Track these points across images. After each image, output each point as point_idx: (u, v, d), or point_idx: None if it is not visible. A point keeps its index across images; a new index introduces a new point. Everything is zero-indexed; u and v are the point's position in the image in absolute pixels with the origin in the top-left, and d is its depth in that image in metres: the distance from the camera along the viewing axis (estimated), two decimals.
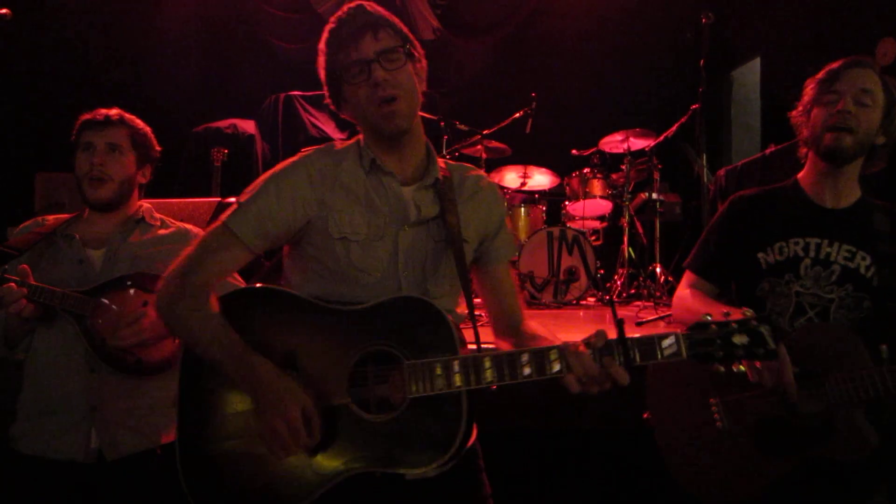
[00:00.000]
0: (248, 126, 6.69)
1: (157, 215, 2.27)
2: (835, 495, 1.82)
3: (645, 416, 2.02)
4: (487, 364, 1.39)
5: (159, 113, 6.38)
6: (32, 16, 5.75)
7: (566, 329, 4.02)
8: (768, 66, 6.64)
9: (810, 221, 1.93)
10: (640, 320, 4.09)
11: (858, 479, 1.82)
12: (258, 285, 1.58)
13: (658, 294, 4.95)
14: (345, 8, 1.54)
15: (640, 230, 5.71)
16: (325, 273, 1.54)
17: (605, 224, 5.95)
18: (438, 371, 1.38)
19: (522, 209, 5.69)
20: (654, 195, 5.55)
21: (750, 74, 7.10)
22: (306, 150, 1.62)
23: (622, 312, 4.80)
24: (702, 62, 4.46)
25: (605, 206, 5.73)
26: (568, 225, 5.54)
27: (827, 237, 1.90)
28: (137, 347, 1.98)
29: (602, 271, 5.42)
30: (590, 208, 5.72)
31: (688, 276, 2.12)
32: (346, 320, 1.47)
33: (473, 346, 1.53)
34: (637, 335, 1.39)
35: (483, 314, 1.87)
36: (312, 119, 6.80)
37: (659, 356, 1.37)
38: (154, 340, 1.99)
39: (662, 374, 2.00)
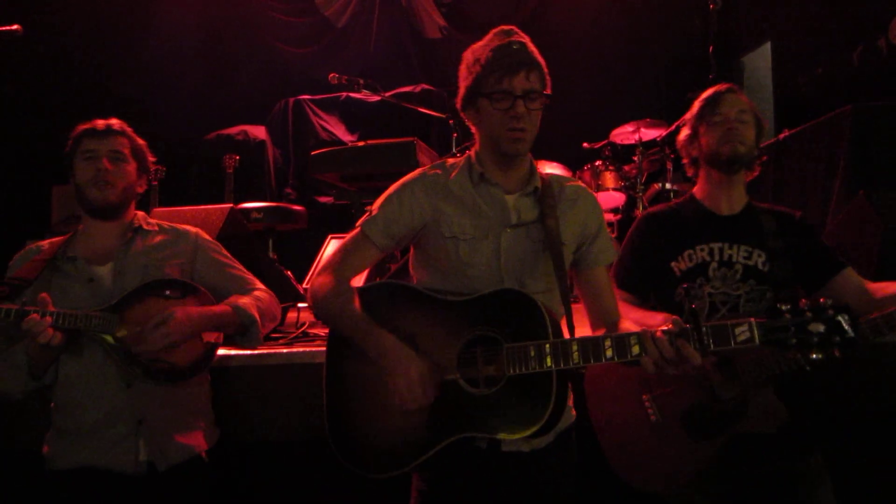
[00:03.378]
0: (259, 132, 6.73)
1: (152, 220, 2.26)
2: (765, 463, 2.04)
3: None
4: (575, 347, 1.55)
5: (170, 122, 6.47)
6: (43, 31, 5.82)
7: (582, 323, 3.98)
8: (779, 51, 6.56)
9: (711, 229, 2.18)
10: None
11: (785, 447, 2.03)
12: (385, 281, 1.87)
13: None
14: (506, 38, 1.73)
15: None
16: (440, 268, 1.80)
17: (618, 216, 5.91)
18: (532, 353, 1.57)
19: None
20: (668, 185, 5.51)
21: (761, 59, 7.02)
22: (423, 168, 1.89)
23: None
24: (711, 49, 4.42)
25: (619, 198, 5.70)
26: None
27: (727, 241, 2.15)
28: (167, 351, 1.98)
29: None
30: (603, 201, 5.68)
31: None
32: (456, 309, 1.71)
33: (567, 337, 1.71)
34: (713, 323, 1.48)
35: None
36: (322, 122, 6.83)
37: (732, 342, 1.44)
38: (181, 340, 1.99)
39: (598, 379, 2.20)
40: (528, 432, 1.56)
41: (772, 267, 2.11)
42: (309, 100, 6.87)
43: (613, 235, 5.84)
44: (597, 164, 5.67)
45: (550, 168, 5.85)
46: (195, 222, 2.65)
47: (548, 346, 1.57)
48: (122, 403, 1.97)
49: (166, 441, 1.99)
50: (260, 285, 2.30)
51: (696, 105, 2.30)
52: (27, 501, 2.03)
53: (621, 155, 5.87)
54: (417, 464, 1.66)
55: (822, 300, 1.41)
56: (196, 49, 7.07)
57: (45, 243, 2.15)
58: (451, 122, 5.39)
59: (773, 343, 1.41)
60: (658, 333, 1.50)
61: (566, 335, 1.68)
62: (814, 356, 1.39)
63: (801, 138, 4.50)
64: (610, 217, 5.92)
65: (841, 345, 1.38)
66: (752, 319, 1.43)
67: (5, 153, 6.15)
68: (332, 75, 4.04)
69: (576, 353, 1.55)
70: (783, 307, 1.42)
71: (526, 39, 1.76)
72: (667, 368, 1.50)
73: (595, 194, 5.92)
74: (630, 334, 1.54)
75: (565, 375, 1.64)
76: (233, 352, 2.33)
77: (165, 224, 2.27)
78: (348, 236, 1.88)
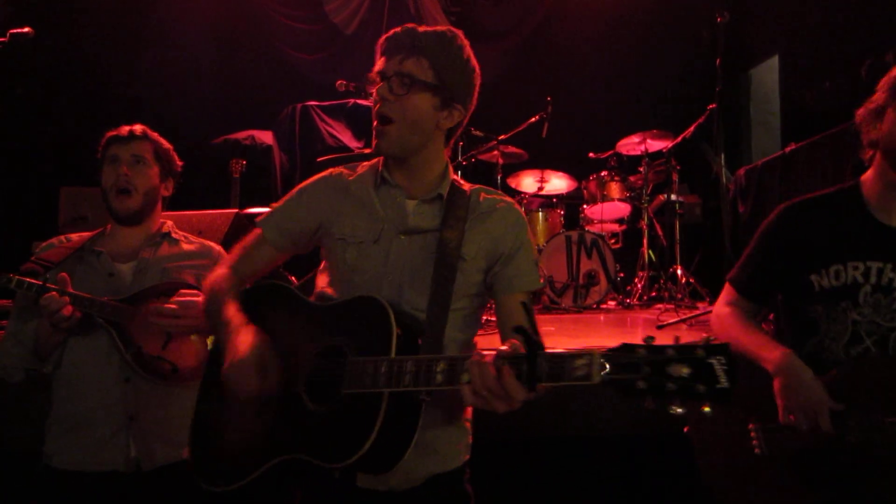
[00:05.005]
0: (266, 137, 6.75)
1: (180, 231, 2.32)
2: None
3: (685, 429, 1.92)
4: (408, 368, 1.35)
5: (178, 125, 6.49)
6: (55, 34, 5.86)
7: (586, 334, 3.99)
8: (787, 64, 6.57)
9: (872, 242, 1.75)
10: (660, 323, 4.05)
11: None
12: (268, 281, 1.75)
13: (679, 296, 4.90)
14: (405, 25, 1.61)
15: (660, 232, 5.67)
16: (332, 273, 1.67)
17: (624, 227, 5.91)
18: (369, 370, 1.39)
19: (540, 214, 5.68)
20: (673, 196, 5.51)
21: (768, 72, 7.03)
22: (333, 168, 1.75)
23: (644, 315, 4.75)
24: (718, 61, 4.42)
25: (624, 209, 5.70)
26: (586, 228, 5.52)
27: (891, 261, 1.73)
28: (170, 350, 2.01)
29: (622, 274, 5.38)
30: (608, 211, 5.68)
31: (728, 292, 1.96)
32: (318, 316, 1.58)
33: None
34: (558, 350, 1.21)
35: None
36: (329, 129, 6.84)
37: (565, 378, 1.17)
38: (192, 328, 2.02)
39: None
40: (344, 463, 1.35)
41: None
42: (316, 106, 6.89)
43: (617, 246, 5.84)
44: (602, 174, 5.67)
45: (556, 178, 5.87)
46: (201, 227, 2.67)
47: (384, 364, 1.37)
48: (117, 397, 2.00)
49: (154, 441, 2.01)
50: None
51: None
52: (24, 497, 2.04)
53: (627, 166, 5.88)
54: (250, 480, 1.50)
55: (699, 339, 1.09)
56: (205, 53, 7.11)
57: (75, 236, 2.22)
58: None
59: (616, 385, 1.11)
60: (486, 358, 1.24)
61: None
62: (675, 410, 1.06)
63: (807, 152, 4.50)
64: (615, 228, 5.92)
65: (707, 395, 1.05)
66: (596, 351, 1.14)
67: (14, 154, 6.19)
68: (339, 82, 4.06)
69: (407, 374, 1.33)
70: (644, 341, 1.11)
71: (432, 29, 1.59)
72: (492, 403, 1.23)
73: (600, 204, 5.95)
74: (465, 358, 1.29)
75: (412, 402, 1.39)
76: None
77: (192, 237, 2.33)
78: (250, 233, 1.77)
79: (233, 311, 1.58)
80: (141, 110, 6.11)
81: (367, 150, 3.97)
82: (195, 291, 2.05)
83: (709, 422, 1.85)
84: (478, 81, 1.65)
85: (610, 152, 5.82)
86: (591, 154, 5.94)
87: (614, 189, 5.61)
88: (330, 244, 1.65)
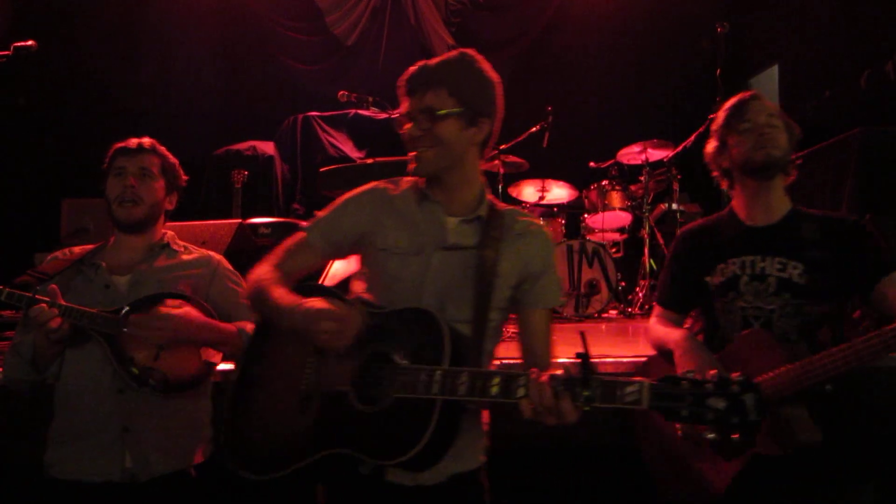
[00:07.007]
0: (268, 147, 6.78)
1: (181, 242, 2.32)
2: (791, 492, 1.93)
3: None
4: (463, 379, 1.46)
5: (180, 136, 6.52)
6: (57, 47, 5.90)
7: (587, 343, 3.96)
8: (786, 74, 6.59)
9: (743, 241, 2.11)
10: None
11: (833, 475, 1.94)
12: (313, 283, 1.84)
13: None
14: (418, 63, 1.73)
15: (661, 241, 5.67)
16: (371, 280, 1.77)
17: (625, 236, 5.91)
18: (421, 377, 1.49)
19: (541, 223, 5.68)
20: (674, 205, 5.51)
21: (768, 82, 7.05)
22: (379, 181, 1.87)
23: (645, 324, 4.73)
24: (718, 71, 4.44)
25: (625, 218, 5.70)
26: (587, 238, 5.52)
27: (759, 253, 2.07)
28: (162, 360, 2.01)
29: (623, 283, 5.38)
30: (609, 220, 5.68)
31: (655, 309, 2.35)
32: (366, 322, 1.63)
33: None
34: (605, 376, 1.37)
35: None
36: (331, 139, 6.87)
37: (617, 402, 1.34)
38: (181, 339, 2.02)
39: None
40: (397, 461, 1.47)
41: (809, 279, 1.99)
42: (318, 116, 6.93)
43: (619, 255, 5.84)
44: (603, 183, 5.68)
45: (557, 187, 5.88)
46: (204, 237, 2.68)
47: (438, 372, 1.47)
48: (111, 408, 2.00)
49: (150, 452, 2.01)
50: None
51: (722, 115, 2.19)
52: None
53: (628, 175, 5.88)
54: (291, 471, 1.58)
55: (733, 375, 1.29)
56: (207, 64, 7.16)
57: (77, 249, 2.24)
58: None
59: (663, 410, 1.30)
60: (544, 378, 1.39)
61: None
62: (709, 436, 1.28)
63: (807, 161, 4.50)
64: (616, 237, 5.92)
65: (739, 426, 1.26)
66: (645, 380, 1.32)
67: (17, 166, 6.21)
68: (341, 93, 4.08)
69: (462, 385, 1.45)
70: (686, 374, 1.31)
71: (443, 58, 1.71)
72: (546, 418, 1.39)
73: (601, 214, 5.93)
74: (521, 374, 1.43)
75: (458, 409, 1.54)
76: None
77: (193, 247, 2.34)
78: (293, 235, 1.84)
79: (285, 292, 1.64)
80: (143, 121, 6.13)
81: (369, 161, 3.99)
82: (179, 302, 2.07)
83: (645, 419, 2.12)
84: (499, 90, 1.75)
85: (611, 161, 5.83)
86: (591, 163, 5.95)
87: (615, 198, 5.61)
88: (371, 253, 1.76)
